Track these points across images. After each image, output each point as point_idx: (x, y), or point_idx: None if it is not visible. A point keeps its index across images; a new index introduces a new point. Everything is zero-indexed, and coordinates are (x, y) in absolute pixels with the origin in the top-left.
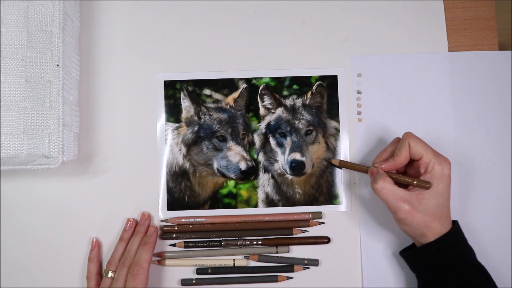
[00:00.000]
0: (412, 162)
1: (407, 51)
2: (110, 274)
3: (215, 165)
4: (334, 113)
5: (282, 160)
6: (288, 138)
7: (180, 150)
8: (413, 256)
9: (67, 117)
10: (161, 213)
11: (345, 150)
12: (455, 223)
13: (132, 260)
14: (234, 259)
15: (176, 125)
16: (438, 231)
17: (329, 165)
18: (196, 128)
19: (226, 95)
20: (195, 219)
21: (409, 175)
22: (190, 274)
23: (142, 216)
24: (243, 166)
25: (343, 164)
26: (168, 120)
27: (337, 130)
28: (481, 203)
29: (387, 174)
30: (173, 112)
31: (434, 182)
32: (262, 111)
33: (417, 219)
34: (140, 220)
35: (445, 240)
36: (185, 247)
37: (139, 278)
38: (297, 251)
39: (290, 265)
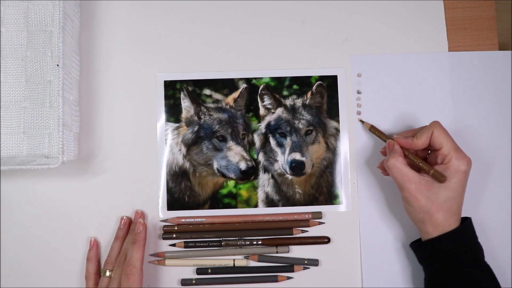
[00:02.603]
0: (434, 151)
1: (407, 51)
2: (107, 273)
3: (215, 165)
4: (334, 113)
5: (282, 160)
6: (288, 138)
7: (180, 150)
8: (421, 248)
9: (67, 117)
10: (161, 213)
11: (345, 150)
12: (467, 220)
13: None
14: (234, 259)
15: (176, 125)
16: (440, 223)
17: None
18: (196, 128)
19: (226, 95)
20: (195, 219)
21: (429, 162)
22: (190, 274)
23: (136, 214)
24: (243, 166)
25: (373, 130)
26: (168, 120)
27: (337, 130)
28: (480, 202)
29: (401, 153)
30: (173, 112)
31: (448, 175)
32: (262, 111)
33: (420, 202)
34: (134, 218)
35: (454, 235)
36: (185, 247)
37: (132, 278)
38: (297, 251)
39: (290, 265)
